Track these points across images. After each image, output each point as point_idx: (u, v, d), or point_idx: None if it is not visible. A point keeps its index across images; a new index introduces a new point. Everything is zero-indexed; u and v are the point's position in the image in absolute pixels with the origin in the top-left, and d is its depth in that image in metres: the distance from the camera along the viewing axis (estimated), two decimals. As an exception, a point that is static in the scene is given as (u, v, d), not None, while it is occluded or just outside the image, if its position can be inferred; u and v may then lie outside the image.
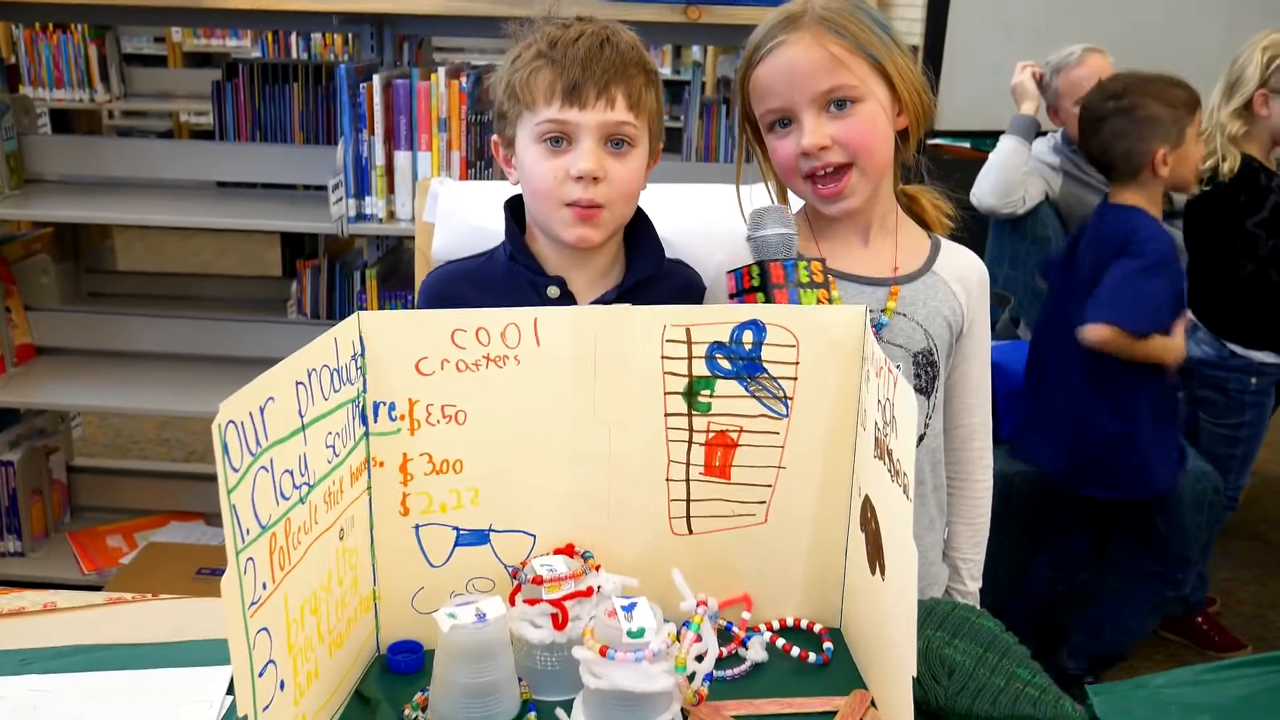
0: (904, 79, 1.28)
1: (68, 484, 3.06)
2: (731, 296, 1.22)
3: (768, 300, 1.17)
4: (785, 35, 1.26)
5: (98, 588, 2.64)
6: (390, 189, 2.43)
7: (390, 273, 2.75)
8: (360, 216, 2.43)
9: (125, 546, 2.90)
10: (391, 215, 2.44)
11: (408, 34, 2.85)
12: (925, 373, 1.34)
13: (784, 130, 1.30)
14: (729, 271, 1.23)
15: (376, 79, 2.34)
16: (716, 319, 1.06)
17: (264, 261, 5.43)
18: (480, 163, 2.44)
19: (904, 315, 1.33)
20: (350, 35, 3.78)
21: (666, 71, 6.62)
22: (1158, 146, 2.13)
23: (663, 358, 1.07)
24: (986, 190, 2.94)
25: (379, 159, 2.39)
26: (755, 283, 1.19)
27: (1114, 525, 2.33)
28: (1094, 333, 2.10)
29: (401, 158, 2.40)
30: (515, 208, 1.37)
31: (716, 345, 1.07)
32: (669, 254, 1.45)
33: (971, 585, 1.47)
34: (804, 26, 1.26)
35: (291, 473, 0.89)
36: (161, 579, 2.52)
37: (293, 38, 5.32)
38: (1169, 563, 2.29)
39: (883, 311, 1.31)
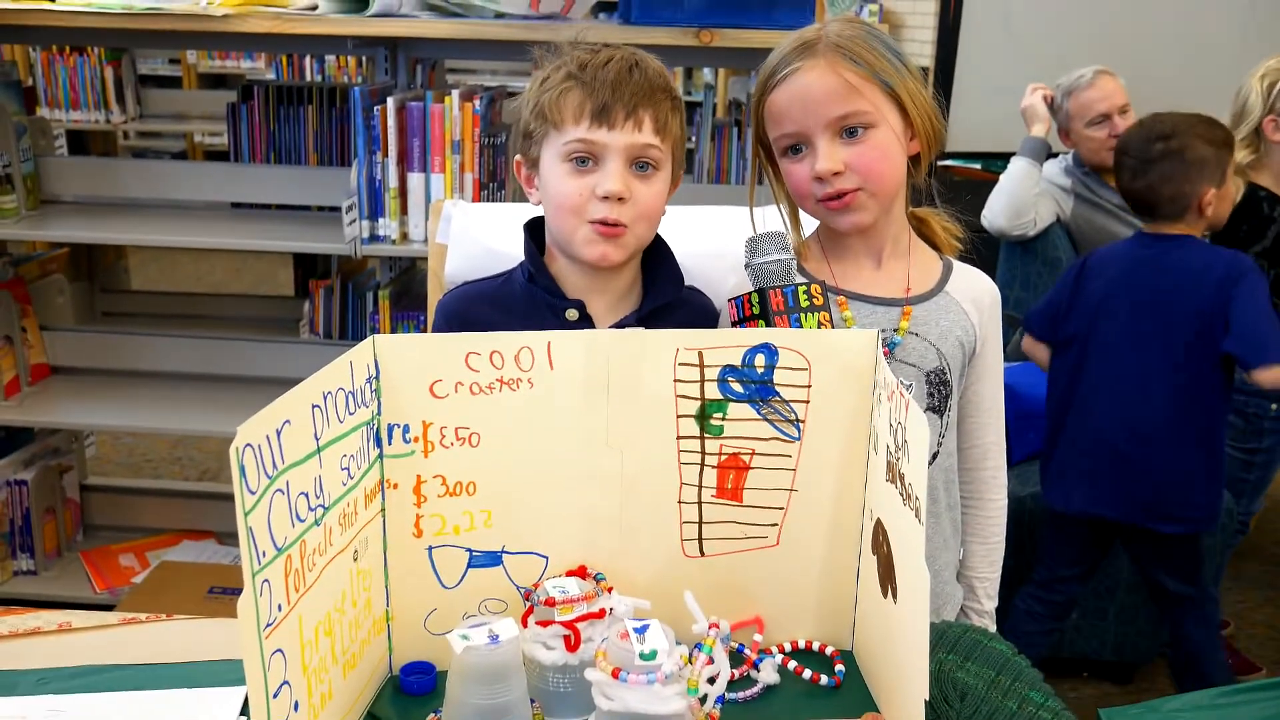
0: (916, 104, 1.30)
1: (81, 503, 3.07)
2: (733, 324, 1.23)
3: (769, 327, 1.18)
4: (800, 62, 1.28)
5: (110, 607, 2.65)
6: (403, 210, 2.44)
7: (403, 293, 2.76)
8: (373, 238, 2.45)
9: (137, 565, 2.91)
10: (404, 237, 2.45)
11: (421, 57, 2.87)
12: (938, 391, 1.34)
13: (797, 155, 1.31)
14: (730, 299, 1.24)
15: (390, 101, 2.36)
16: (729, 342, 1.07)
17: (276, 281, 5.46)
18: (493, 185, 2.45)
19: (916, 335, 1.33)
20: (364, 58, 3.80)
21: (678, 93, 6.63)
22: (1206, 188, 2.13)
23: (675, 381, 1.07)
24: (997, 212, 2.95)
25: (392, 180, 2.41)
26: (755, 310, 1.20)
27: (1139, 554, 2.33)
28: (1272, 376, 2.08)
29: (415, 179, 2.42)
30: (534, 230, 1.38)
31: (729, 368, 1.07)
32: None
33: (988, 604, 1.47)
34: (819, 53, 1.27)
35: (307, 495, 0.89)
36: (173, 598, 2.53)
37: (307, 60, 5.35)
38: (1197, 579, 2.28)
39: (895, 331, 1.32)
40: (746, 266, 1.26)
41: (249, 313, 3.27)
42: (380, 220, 2.44)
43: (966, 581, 1.47)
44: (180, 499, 3.19)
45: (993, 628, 1.47)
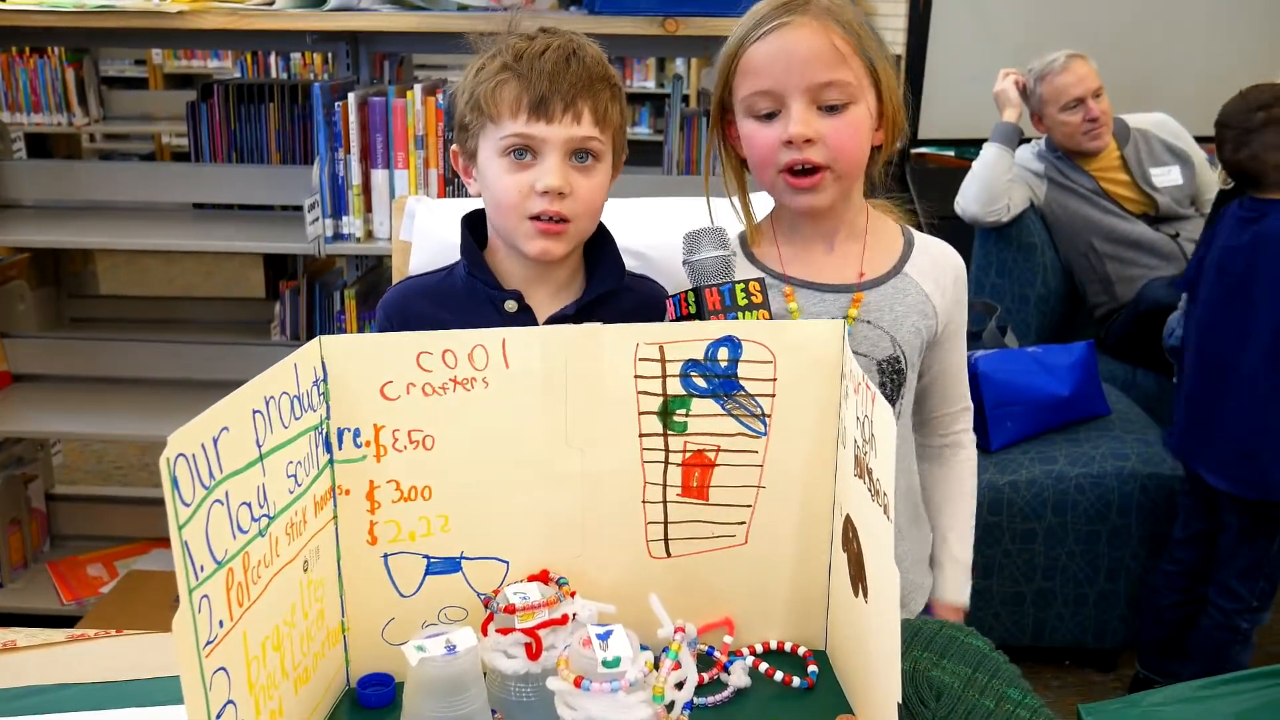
0: (891, 92, 1.26)
1: (47, 512, 3.02)
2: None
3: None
4: (790, 17, 1.22)
5: (77, 618, 2.60)
6: (368, 208, 2.39)
7: (370, 292, 2.71)
8: (338, 236, 2.40)
9: (106, 575, 2.86)
10: (369, 234, 2.41)
11: (384, 52, 2.82)
12: (891, 381, 1.31)
13: (766, 120, 1.25)
14: (668, 298, 1.21)
15: (352, 97, 2.31)
16: (691, 336, 1.04)
17: (248, 284, 5.40)
18: (457, 180, 2.40)
19: (868, 322, 1.29)
20: (330, 55, 3.76)
21: (650, 85, 6.62)
22: None
23: (636, 377, 1.04)
24: (970, 198, 2.93)
25: (355, 178, 2.36)
26: (692, 309, 1.16)
27: (1229, 533, 2.31)
28: None
29: (378, 176, 2.37)
30: (473, 223, 1.35)
31: (691, 363, 1.04)
32: (647, 269, 1.43)
33: (961, 552, 1.41)
34: (810, 12, 1.22)
35: (249, 505, 0.85)
36: (141, 608, 2.48)
37: (272, 58, 5.29)
38: (1255, 580, 2.28)
39: (844, 319, 1.28)
40: (684, 263, 1.23)
41: (220, 316, 3.21)
42: (344, 218, 2.39)
43: (940, 535, 1.42)
44: (150, 506, 3.13)
45: (966, 579, 1.42)
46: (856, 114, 1.23)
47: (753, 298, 1.15)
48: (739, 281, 1.16)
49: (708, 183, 1.39)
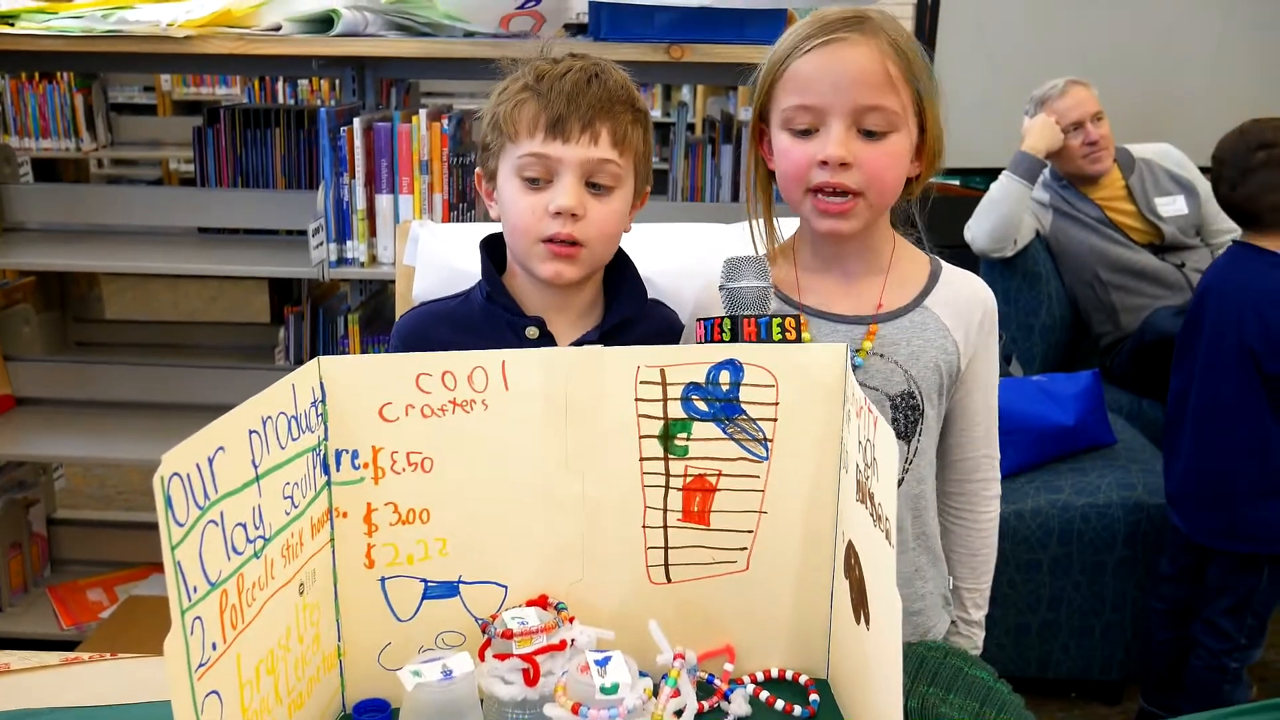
0: (934, 123, 1.23)
1: (48, 537, 3.00)
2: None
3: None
4: (845, 34, 1.18)
5: (77, 643, 2.59)
6: (372, 233, 2.39)
7: (374, 317, 2.72)
8: (342, 261, 2.40)
9: (106, 600, 2.84)
10: (373, 259, 2.41)
11: (390, 78, 2.83)
12: (905, 416, 1.27)
13: (802, 136, 1.21)
14: (699, 320, 1.19)
15: (357, 122, 2.32)
16: (692, 359, 1.03)
17: (253, 308, 5.41)
18: (463, 205, 2.41)
19: (882, 356, 1.26)
20: (336, 81, 3.78)
21: (657, 114, 6.63)
22: None
23: (637, 400, 1.03)
24: (983, 233, 2.91)
25: (360, 202, 2.36)
26: (726, 338, 1.15)
27: (1215, 568, 2.29)
28: None
29: (383, 201, 2.37)
30: (492, 246, 1.34)
31: (693, 386, 1.03)
32: (652, 294, 1.42)
33: (975, 613, 1.41)
34: (869, 32, 1.19)
35: (245, 526, 0.85)
36: (141, 634, 2.47)
37: (279, 84, 5.32)
38: (1242, 618, 2.25)
39: (857, 352, 1.25)
40: (721, 288, 1.20)
41: (225, 340, 3.21)
42: (349, 243, 2.39)
43: (955, 592, 1.41)
44: (152, 531, 3.06)
45: (981, 635, 1.41)
46: (896, 143, 1.20)
47: (787, 334, 1.12)
48: (777, 316, 1.12)
49: (750, 188, 1.35)
